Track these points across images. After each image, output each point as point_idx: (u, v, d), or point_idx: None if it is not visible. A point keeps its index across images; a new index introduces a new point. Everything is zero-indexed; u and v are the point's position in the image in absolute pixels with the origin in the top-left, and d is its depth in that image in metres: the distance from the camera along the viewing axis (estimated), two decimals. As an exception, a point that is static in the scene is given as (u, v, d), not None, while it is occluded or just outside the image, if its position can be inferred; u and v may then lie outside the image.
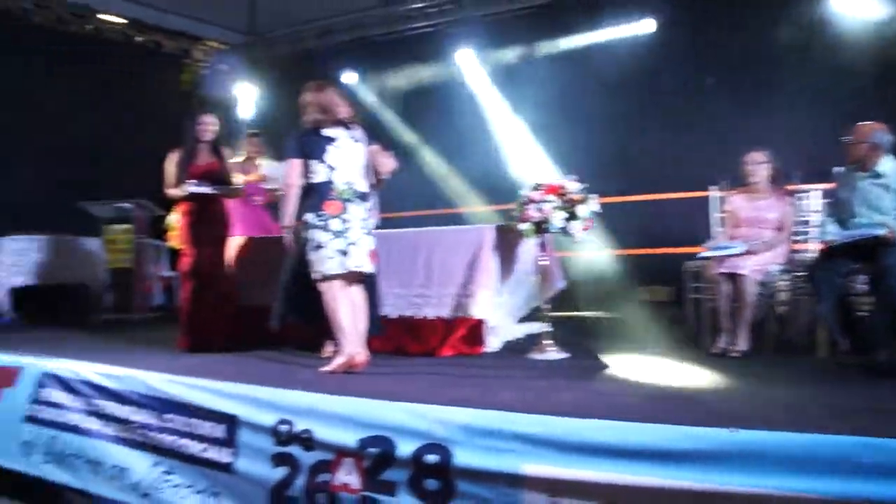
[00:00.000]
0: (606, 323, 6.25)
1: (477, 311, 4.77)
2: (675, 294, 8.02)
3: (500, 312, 4.95)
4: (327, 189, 4.26)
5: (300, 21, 9.91)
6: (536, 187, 4.63)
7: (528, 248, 5.14)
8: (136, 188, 7.71)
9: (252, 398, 3.56)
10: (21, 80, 8.00)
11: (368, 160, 4.46)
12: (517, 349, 4.97)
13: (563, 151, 7.85)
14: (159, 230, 7.45)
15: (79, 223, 7.87)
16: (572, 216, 4.55)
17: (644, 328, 6.01)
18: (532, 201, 4.58)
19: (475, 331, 4.83)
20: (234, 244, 5.56)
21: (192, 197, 5.20)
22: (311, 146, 4.31)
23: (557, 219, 4.52)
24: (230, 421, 3.58)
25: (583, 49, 8.38)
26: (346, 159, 4.33)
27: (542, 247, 4.79)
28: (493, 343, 4.94)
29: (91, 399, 4.20)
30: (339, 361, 4.19)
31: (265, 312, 5.27)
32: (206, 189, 5.16)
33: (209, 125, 5.33)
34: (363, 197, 4.35)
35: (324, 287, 4.24)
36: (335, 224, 4.22)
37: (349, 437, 3.19)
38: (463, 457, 2.94)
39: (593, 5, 8.16)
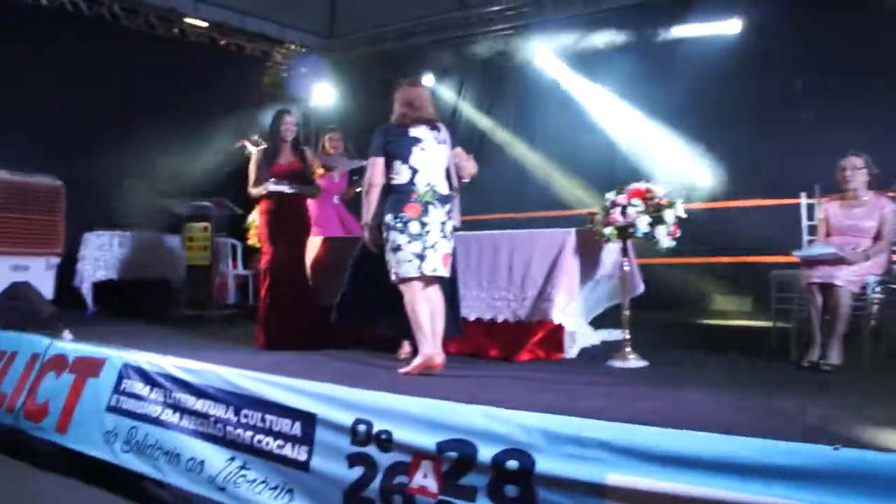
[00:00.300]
0: (685, 331, 6.02)
1: (557, 315, 4.66)
2: (754, 304, 7.76)
3: (578, 318, 4.83)
4: (409, 191, 4.24)
5: (379, 24, 9.97)
6: (620, 191, 4.50)
7: (608, 252, 5.01)
8: (216, 187, 7.88)
9: (330, 397, 3.54)
10: (109, 82, 8.26)
11: (451, 162, 4.43)
12: (596, 356, 4.84)
13: (643, 153, 7.66)
14: (237, 229, 7.58)
15: (160, 220, 8.08)
16: (658, 220, 4.39)
17: (725, 338, 5.79)
18: (616, 205, 4.44)
19: (554, 336, 4.73)
20: (313, 244, 5.58)
21: (272, 196, 5.24)
22: (396, 146, 4.28)
23: (642, 223, 4.37)
24: (307, 419, 3.55)
25: (665, 49, 8.18)
26: (430, 161, 4.30)
27: (624, 251, 4.65)
28: (570, 349, 4.82)
29: (170, 392, 4.26)
30: (416, 363, 4.15)
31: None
32: (285, 187, 5.20)
33: (291, 125, 5.38)
34: (443, 200, 4.31)
35: (403, 288, 4.21)
36: (414, 227, 4.18)
37: (427, 440, 3.12)
38: (545, 464, 2.84)
39: (676, 4, 7.94)
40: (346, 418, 3.41)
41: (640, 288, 5.41)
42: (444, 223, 4.28)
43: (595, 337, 5.28)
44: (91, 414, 4.62)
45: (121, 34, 8.87)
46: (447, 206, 4.33)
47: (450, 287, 4.55)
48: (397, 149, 4.27)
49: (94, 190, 7.65)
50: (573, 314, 4.72)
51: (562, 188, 8.70)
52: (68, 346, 5.14)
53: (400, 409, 3.29)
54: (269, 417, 3.72)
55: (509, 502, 2.86)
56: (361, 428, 3.35)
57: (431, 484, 3.08)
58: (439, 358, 4.13)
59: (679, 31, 8.06)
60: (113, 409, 4.52)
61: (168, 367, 4.36)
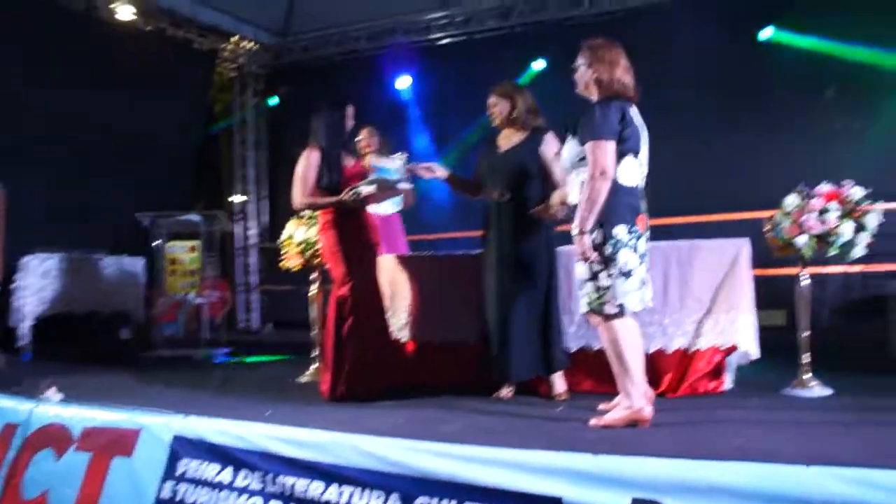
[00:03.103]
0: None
1: (741, 341, 3.86)
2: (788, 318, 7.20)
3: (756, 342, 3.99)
4: (638, 196, 3.24)
5: (344, 22, 8.87)
6: (807, 194, 3.74)
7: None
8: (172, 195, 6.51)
9: (578, 471, 2.48)
10: (43, 72, 6.69)
11: None
12: (745, 383, 4.03)
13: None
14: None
15: (116, 239, 6.54)
16: (860, 227, 3.66)
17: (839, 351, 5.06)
18: (810, 210, 3.67)
19: (719, 365, 3.93)
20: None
21: (341, 206, 4.08)
22: (631, 131, 3.18)
23: (847, 230, 3.63)
24: (548, 506, 2.49)
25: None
26: (646, 155, 3.31)
27: (805, 263, 3.89)
28: (728, 380, 4.02)
29: (274, 476, 3.01)
30: (621, 415, 3.17)
31: (424, 349, 4.35)
32: (383, 191, 4.05)
33: (352, 120, 4.26)
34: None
35: (615, 324, 3.18)
36: (642, 245, 3.20)
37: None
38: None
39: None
40: (618, 500, 2.37)
41: None
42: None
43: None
44: (128, 510, 3.27)
45: (63, 17, 7.23)
46: None
47: (546, 310, 3.86)
48: (632, 136, 3.19)
49: (32, 203, 6.02)
50: (753, 338, 3.90)
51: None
52: (66, 411, 3.72)
53: (703, 482, 2.33)
54: (472, 508, 2.60)
55: None
56: (648, 513, 2.34)
57: None
58: (649, 411, 3.15)
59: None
60: None
61: (260, 439, 3.13)
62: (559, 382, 3.94)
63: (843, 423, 3.16)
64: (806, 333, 3.90)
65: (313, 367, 4.83)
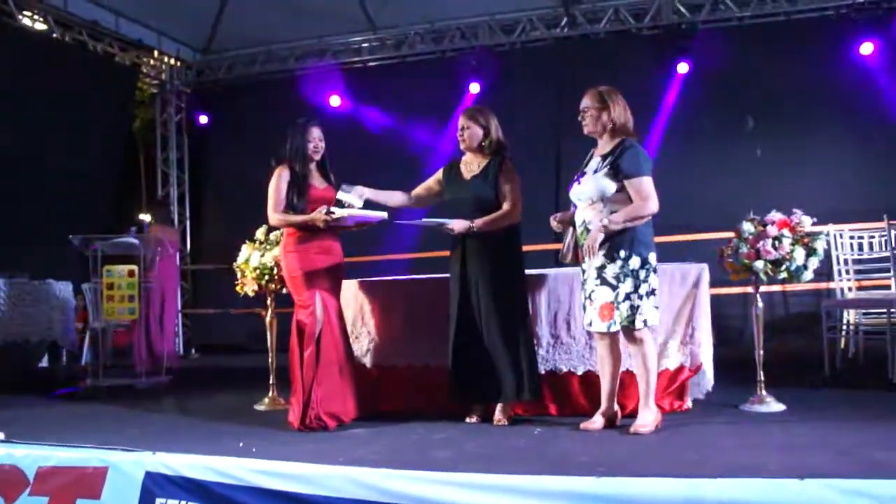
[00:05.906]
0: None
1: (704, 359, 4.03)
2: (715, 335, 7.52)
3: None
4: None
5: (271, 41, 8.73)
6: (761, 222, 3.96)
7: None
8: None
9: (579, 494, 2.50)
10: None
11: None
12: (707, 402, 4.15)
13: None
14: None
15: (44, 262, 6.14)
16: (811, 252, 3.91)
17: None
18: (765, 236, 3.88)
19: (684, 383, 4.06)
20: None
21: (306, 227, 4.01)
22: None
23: (800, 256, 3.86)
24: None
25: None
26: None
27: (757, 287, 4.10)
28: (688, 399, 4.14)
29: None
30: (656, 419, 3.57)
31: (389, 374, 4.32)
32: (360, 215, 3.99)
33: (319, 140, 4.17)
34: None
35: (645, 336, 3.58)
36: None
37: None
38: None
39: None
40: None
41: None
42: None
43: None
44: (99, 556, 3.08)
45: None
46: None
47: (514, 334, 3.88)
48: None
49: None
50: (710, 356, 4.08)
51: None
52: (16, 451, 3.47)
53: (706, 499, 2.38)
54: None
55: None
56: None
57: None
58: None
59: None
60: (147, 547, 3.04)
61: (241, 473, 3.01)
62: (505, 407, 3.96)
63: (811, 436, 3.31)
64: (761, 352, 4.09)
65: (270, 394, 4.70)
